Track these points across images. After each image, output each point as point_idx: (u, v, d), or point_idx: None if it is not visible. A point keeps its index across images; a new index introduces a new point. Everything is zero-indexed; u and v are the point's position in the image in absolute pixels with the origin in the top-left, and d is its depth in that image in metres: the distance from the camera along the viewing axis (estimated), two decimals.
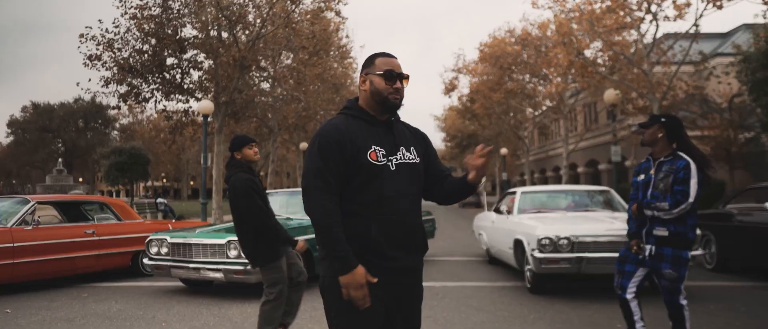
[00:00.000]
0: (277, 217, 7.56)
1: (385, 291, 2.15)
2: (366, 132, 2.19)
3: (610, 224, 6.34)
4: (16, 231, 6.95)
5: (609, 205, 7.88)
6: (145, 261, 7.07)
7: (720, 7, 14.94)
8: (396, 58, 2.27)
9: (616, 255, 5.86)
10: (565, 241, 6.06)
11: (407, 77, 2.24)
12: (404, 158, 2.23)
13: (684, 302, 3.76)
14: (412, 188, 2.24)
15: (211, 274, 6.39)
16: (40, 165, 59.01)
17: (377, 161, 2.15)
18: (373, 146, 2.17)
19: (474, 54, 62.30)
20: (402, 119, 2.38)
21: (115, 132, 58.92)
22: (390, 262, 2.14)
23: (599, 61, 19.47)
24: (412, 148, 2.29)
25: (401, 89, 2.21)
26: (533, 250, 6.24)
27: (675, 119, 3.88)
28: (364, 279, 2.05)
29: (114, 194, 69.83)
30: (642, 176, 3.96)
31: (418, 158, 2.30)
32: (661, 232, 3.74)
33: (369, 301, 2.07)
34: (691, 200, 3.63)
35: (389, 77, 2.19)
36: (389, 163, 2.18)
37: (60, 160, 47.49)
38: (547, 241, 6.11)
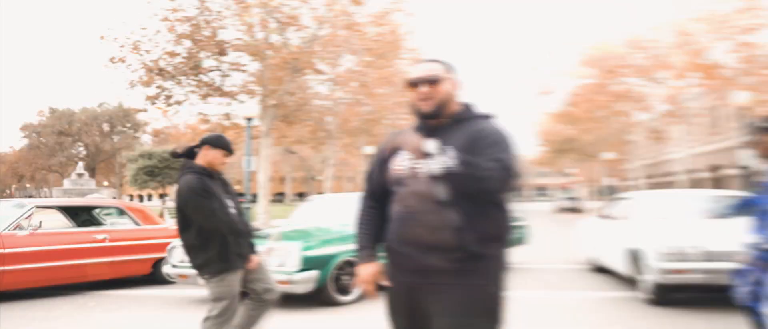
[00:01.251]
0: (308, 226, 6.86)
1: (407, 300, 2.16)
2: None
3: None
4: (7, 237, 6.59)
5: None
6: (167, 268, 6.59)
7: None
8: (423, 63, 2.24)
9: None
10: (695, 251, 5.46)
11: (429, 81, 2.16)
12: (437, 164, 2.05)
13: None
14: (435, 193, 2.06)
15: None
16: (58, 169, 58.39)
17: (400, 167, 2.18)
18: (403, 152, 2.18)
19: (572, 55, 58.87)
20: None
21: (147, 136, 56.74)
22: (402, 259, 2.15)
23: (727, 62, 17.56)
24: (450, 152, 2.06)
25: (424, 93, 2.16)
26: (657, 259, 5.66)
27: None
28: (370, 275, 2.23)
29: (143, 199, 69.39)
30: None
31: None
32: None
33: (373, 294, 2.26)
34: None
35: (410, 86, 2.22)
36: (417, 169, 2.13)
37: (80, 163, 46.68)
38: (674, 250, 5.52)
